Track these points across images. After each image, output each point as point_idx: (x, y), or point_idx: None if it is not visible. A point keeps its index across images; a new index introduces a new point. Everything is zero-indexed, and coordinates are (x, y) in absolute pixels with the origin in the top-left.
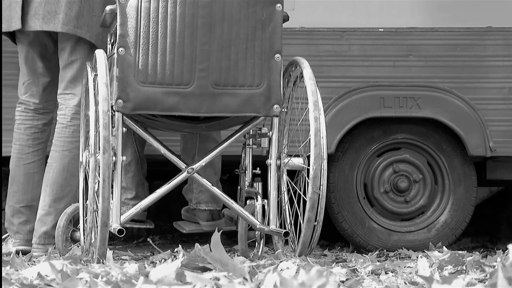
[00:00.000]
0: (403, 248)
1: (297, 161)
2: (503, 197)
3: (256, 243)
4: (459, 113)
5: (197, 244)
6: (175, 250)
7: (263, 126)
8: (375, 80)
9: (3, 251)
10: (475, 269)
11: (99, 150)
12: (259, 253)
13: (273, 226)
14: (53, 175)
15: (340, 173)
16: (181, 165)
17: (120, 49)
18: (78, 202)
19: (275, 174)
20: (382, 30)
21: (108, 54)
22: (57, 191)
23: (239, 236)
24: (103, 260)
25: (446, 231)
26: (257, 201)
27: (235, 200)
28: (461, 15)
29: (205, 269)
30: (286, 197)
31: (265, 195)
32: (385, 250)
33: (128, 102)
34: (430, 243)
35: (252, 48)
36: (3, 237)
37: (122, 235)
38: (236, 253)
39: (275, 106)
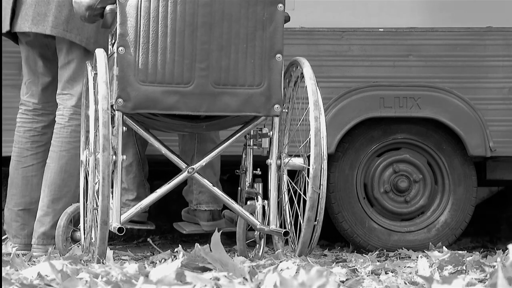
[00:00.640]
0: (403, 248)
1: (298, 161)
2: (503, 197)
3: (256, 243)
4: (459, 113)
5: (197, 244)
6: (175, 250)
7: (264, 127)
8: (375, 80)
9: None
10: (475, 269)
11: (99, 149)
12: (259, 253)
13: (273, 226)
14: (51, 175)
15: (340, 173)
16: (182, 164)
17: (120, 48)
18: (78, 202)
19: (275, 174)
20: (382, 30)
21: (108, 53)
22: (55, 191)
23: (237, 236)
24: (103, 260)
25: (446, 231)
26: (257, 201)
27: (235, 200)
28: (461, 15)
29: (205, 269)
30: (286, 197)
31: (266, 196)
32: (385, 250)
33: (128, 101)
34: (430, 243)
35: (252, 48)
36: (3, 238)
37: (122, 234)
38: (236, 253)
39: (276, 106)
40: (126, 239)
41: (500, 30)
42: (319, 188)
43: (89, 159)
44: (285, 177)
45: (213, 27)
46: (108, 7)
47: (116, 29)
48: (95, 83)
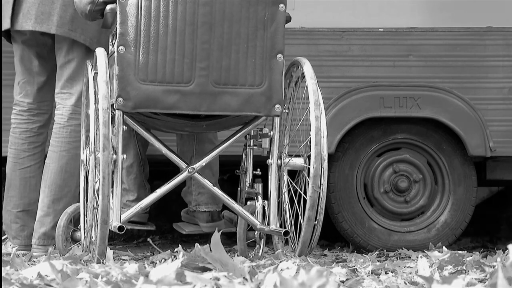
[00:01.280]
0: (403, 248)
1: (298, 161)
2: (503, 197)
3: (256, 243)
4: (459, 113)
5: (197, 244)
6: (175, 250)
7: (264, 127)
8: (375, 80)
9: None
10: (475, 269)
11: (99, 148)
12: (260, 253)
13: (273, 226)
14: (51, 176)
15: (340, 173)
16: (182, 164)
17: (121, 47)
18: (78, 202)
19: (275, 174)
20: (382, 30)
21: (109, 53)
22: (56, 192)
23: (238, 236)
24: (103, 260)
25: (446, 231)
26: (257, 201)
27: (235, 201)
28: (461, 15)
29: (205, 269)
30: (286, 197)
31: (266, 196)
32: (385, 250)
33: (128, 101)
34: (430, 243)
35: (253, 48)
36: (2, 238)
37: (122, 232)
38: (236, 253)
39: (277, 106)
40: (126, 239)
41: (500, 30)
42: (320, 188)
43: (89, 158)
44: (286, 177)
45: (213, 26)
46: (108, 7)
47: (116, 29)
48: (95, 82)
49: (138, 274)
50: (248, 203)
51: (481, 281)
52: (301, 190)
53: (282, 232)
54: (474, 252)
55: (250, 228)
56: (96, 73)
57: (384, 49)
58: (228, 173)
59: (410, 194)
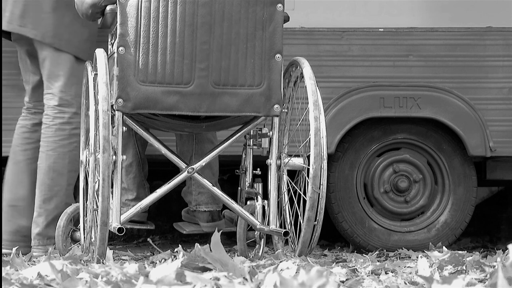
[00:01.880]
0: (403, 248)
1: (298, 161)
2: (503, 197)
3: (256, 243)
4: (459, 113)
5: (197, 244)
6: (175, 250)
7: (264, 127)
8: (375, 80)
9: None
10: (475, 269)
11: (99, 149)
12: (259, 253)
13: (273, 226)
14: (40, 176)
15: (340, 173)
16: (182, 164)
17: (120, 48)
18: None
19: (275, 174)
20: (382, 30)
21: (108, 53)
22: (46, 191)
23: (238, 236)
24: (103, 260)
25: (446, 231)
26: (257, 201)
27: (235, 200)
28: (461, 15)
29: (205, 269)
30: (286, 197)
31: (266, 196)
32: (385, 250)
33: (128, 101)
34: (430, 243)
35: (252, 48)
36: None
37: (122, 234)
38: (236, 253)
39: (276, 106)
40: (126, 239)
41: (500, 30)
42: (319, 188)
43: (89, 160)
44: (285, 177)
45: (213, 27)
46: (108, 7)
47: (116, 29)
48: (95, 84)
49: (138, 274)
50: (248, 202)
51: (481, 281)
52: (300, 190)
53: (282, 232)
54: (474, 252)
55: (250, 228)
56: (96, 74)
57: (384, 49)
58: (228, 173)
59: (410, 194)
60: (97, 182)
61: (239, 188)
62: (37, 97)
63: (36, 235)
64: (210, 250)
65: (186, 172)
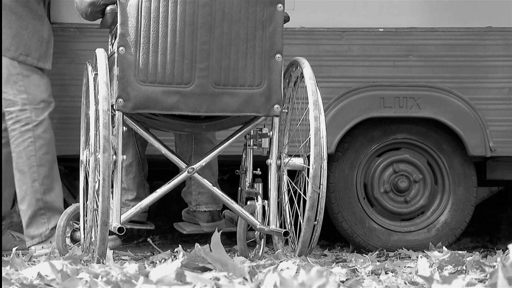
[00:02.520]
0: (403, 248)
1: (298, 161)
2: (503, 197)
3: (256, 243)
4: (459, 113)
5: (197, 244)
6: (175, 250)
7: (264, 127)
8: (375, 80)
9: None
10: (475, 269)
11: (99, 149)
12: (259, 253)
13: (273, 226)
14: (12, 181)
15: (340, 173)
16: (182, 164)
17: (121, 48)
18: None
19: (275, 174)
20: (382, 30)
21: (108, 53)
22: (18, 193)
23: (238, 236)
24: (103, 260)
25: (446, 231)
26: (257, 201)
27: (235, 200)
28: (461, 15)
29: (205, 269)
30: (286, 197)
31: (266, 196)
32: (385, 250)
33: (128, 101)
34: (430, 243)
35: (252, 48)
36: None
37: (122, 234)
38: (236, 253)
39: (276, 106)
40: (126, 239)
41: (500, 30)
42: (319, 188)
43: (89, 159)
44: (285, 177)
45: (213, 27)
46: (108, 7)
47: (116, 29)
48: (96, 84)
49: (138, 274)
50: (248, 202)
51: (481, 281)
52: (300, 190)
53: (282, 232)
54: (474, 252)
55: (250, 228)
56: (96, 74)
57: (384, 49)
58: (228, 173)
59: (410, 194)
60: (97, 182)
61: (239, 188)
62: None
63: (25, 237)
64: (210, 250)
65: (186, 172)
